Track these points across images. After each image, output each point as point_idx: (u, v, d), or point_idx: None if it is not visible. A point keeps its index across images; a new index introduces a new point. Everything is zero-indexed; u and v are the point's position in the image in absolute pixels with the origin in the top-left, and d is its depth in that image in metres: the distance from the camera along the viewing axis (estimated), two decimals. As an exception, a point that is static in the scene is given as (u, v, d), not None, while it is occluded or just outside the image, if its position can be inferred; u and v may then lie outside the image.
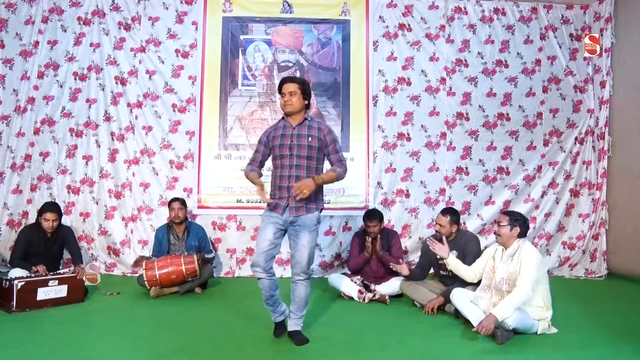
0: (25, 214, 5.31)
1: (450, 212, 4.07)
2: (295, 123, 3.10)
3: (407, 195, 5.62)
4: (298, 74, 5.59)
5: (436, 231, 4.09)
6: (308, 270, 3.05)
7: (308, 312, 3.80)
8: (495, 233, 3.53)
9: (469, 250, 3.88)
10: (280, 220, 3.02)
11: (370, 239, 4.39)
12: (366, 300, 4.17)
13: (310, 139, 3.07)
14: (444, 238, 3.88)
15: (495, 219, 3.64)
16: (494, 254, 3.53)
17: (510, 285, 3.29)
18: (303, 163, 3.04)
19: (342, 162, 3.15)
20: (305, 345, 3.07)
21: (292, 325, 3.14)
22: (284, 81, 3.11)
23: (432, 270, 4.26)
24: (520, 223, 3.41)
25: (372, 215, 4.48)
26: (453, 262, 3.74)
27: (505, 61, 5.76)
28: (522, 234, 3.42)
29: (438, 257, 4.07)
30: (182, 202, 4.77)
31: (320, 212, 3.13)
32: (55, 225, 4.35)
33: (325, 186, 5.29)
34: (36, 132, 5.38)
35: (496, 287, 3.38)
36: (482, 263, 3.60)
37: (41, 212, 4.35)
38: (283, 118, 3.17)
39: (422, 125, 5.66)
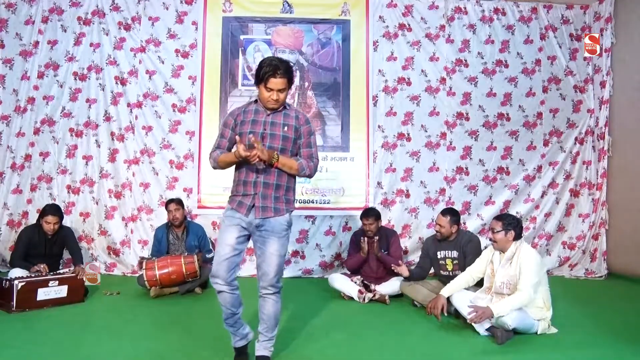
0: (25, 214, 5.31)
1: (450, 213, 4.07)
2: (270, 110, 2.64)
3: (407, 195, 5.62)
4: (298, 74, 5.59)
5: (436, 231, 4.09)
6: (277, 283, 2.62)
7: (308, 312, 3.83)
8: (490, 239, 3.50)
9: (469, 251, 3.88)
10: (244, 223, 2.58)
11: (366, 239, 4.39)
12: (366, 300, 4.17)
13: (286, 128, 2.61)
14: (474, 299, 3.43)
15: (489, 226, 3.61)
16: (492, 257, 3.51)
17: (511, 289, 3.28)
18: (277, 151, 2.59)
19: (313, 160, 2.68)
20: (305, 345, 3.07)
21: (260, 349, 2.69)
22: (272, 74, 2.52)
23: (432, 271, 4.26)
24: (513, 226, 3.38)
25: (368, 213, 4.48)
26: (500, 310, 3.18)
27: (505, 61, 5.76)
28: (518, 236, 3.40)
29: (439, 257, 4.08)
30: (179, 202, 4.72)
31: (291, 214, 2.69)
32: (56, 228, 4.36)
33: (325, 186, 5.46)
34: (36, 132, 5.38)
35: (497, 291, 3.37)
36: (481, 266, 3.56)
37: (42, 214, 4.35)
38: (255, 101, 2.70)
39: (422, 125, 5.66)
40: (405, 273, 4.05)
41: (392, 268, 4.09)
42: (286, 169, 2.60)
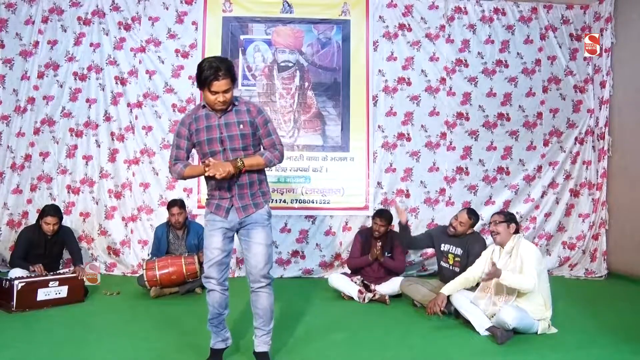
0: (25, 214, 5.31)
1: (475, 215, 4.10)
2: (220, 112, 2.60)
3: (407, 195, 5.61)
4: (298, 74, 5.59)
5: (452, 226, 4.07)
6: (268, 274, 2.64)
7: (308, 311, 3.84)
8: (492, 233, 3.53)
9: (473, 251, 3.85)
10: (227, 224, 2.62)
11: (379, 245, 4.34)
12: (366, 300, 4.17)
13: (241, 126, 2.58)
14: (492, 262, 3.51)
15: (490, 221, 3.67)
16: (491, 254, 3.54)
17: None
18: (240, 156, 2.58)
19: (277, 147, 2.66)
20: (305, 345, 3.07)
21: (260, 345, 2.71)
22: (214, 77, 2.46)
23: (430, 269, 4.26)
24: (514, 220, 3.51)
25: (383, 214, 4.50)
26: (507, 278, 3.30)
27: (505, 61, 5.76)
28: (517, 231, 3.49)
29: (442, 249, 4.09)
30: (181, 205, 4.65)
31: (269, 203, 2.73)
32: (56, 229, 4.36)
33: (325, 186, 5.46)
34: (36, 132, 5.37)
35: (497, 286, 3.38)
36: (481, 266, 3.58)
37: (42, 215, 4.35)
38: (204, 106, 2.63)
39: (422, 125, 5.66)
40: (404, 219, 4.16)
41: (395, 208, 4.23)
42: (255, 168, 2.62)
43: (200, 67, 2.51)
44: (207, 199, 2.72)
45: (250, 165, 2.58)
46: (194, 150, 2.75)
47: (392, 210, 4.57)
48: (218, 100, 2.52)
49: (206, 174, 2.50)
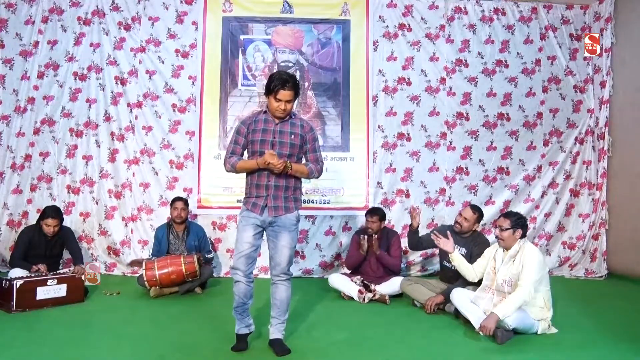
0: (25, 214, 5.31)
1: (479, 211, 4.09)
2: (278, 119, 2.95)
3: (407, 195, 5.62)
4: (298, 74, 5.58)
5: (457, 223, 4.07)
6: (288, 271, 2.94)
7: (308, 312, 3.84)
8: (497, 237, 3.50)
9: (476, 252, 3.84)
10: (259, 221, 2.89)
11: (366, 237, 4.39)
12: (366, 300, 4.17)
13: (293, 136, 2.93)
14: (448, 232, 3.82)
15: (495, 222, 3.63)
16: (494, 254, 3.53)
17: (513, 287, 3.28)
18: (291, 160, 2.91)
19: (319, 162, 3.04)
20: (306, 344, 3.07)
21: (274, 332, 2.97)
22: (281, 86, 2.82)
23: (431, 268, 4.26)
24: (521, 224, 3.42)
25: (373, 211, 4.54)
26: (457, 258, 3.70)
27: (505, 61, 5.76)
28: (523, 235, 3.43)
29: None
30: (186, 202, 4.78)
31: (299, 210, 3.02)
32: (56, 231, 4.36)
33: (325, 186, 5.47)
34: (36, 132, 5.38)
35: (498, 288, 3.37)
36: (484, 263, 3.59)
37: (42, 216, 4.35)
38: (265, 112, 2.99)
39: (422, 125, 5.66)
40: (415, 224, 4.20)
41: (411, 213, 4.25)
42: (298, 174, 2.95)
43: (271, 77, 2.89)
44: (245, 198, 3.00)
45: (295, 171, 2.91)
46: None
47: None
48: (280, 108, 2.86)
49: (262, 160, 2.80)
